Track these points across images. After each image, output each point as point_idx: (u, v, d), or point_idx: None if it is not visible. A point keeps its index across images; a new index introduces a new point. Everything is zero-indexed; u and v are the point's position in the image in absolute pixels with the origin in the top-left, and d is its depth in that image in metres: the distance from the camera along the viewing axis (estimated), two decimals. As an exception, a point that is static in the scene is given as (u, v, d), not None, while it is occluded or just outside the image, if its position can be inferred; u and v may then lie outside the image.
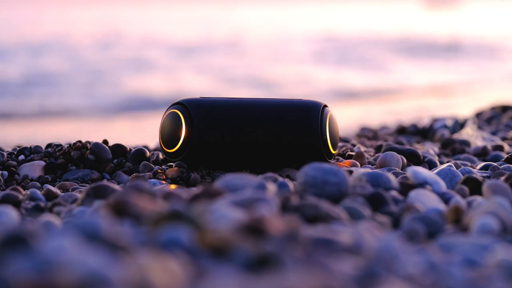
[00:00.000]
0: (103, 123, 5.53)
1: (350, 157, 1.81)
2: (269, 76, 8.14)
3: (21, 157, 1.71)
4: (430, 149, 1.98)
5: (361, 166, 1.73)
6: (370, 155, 1.92)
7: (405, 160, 1.73)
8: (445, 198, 1.26)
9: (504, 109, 3.05)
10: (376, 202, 1.18)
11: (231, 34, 13.93)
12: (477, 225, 1.07)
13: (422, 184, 1.29)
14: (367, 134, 2.53)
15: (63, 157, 1.70)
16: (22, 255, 0.74)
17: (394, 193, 1.24)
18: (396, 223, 1.13)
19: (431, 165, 1.76)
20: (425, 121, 2.72)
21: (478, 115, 3.03)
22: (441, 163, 1.85)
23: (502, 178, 1.35)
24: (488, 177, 1.55)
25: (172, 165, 1.67)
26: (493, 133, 2.49)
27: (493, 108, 3.11)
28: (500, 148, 2.06)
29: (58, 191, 1.45)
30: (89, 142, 1.72)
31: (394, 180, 1.28)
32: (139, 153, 1.73)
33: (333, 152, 1.69)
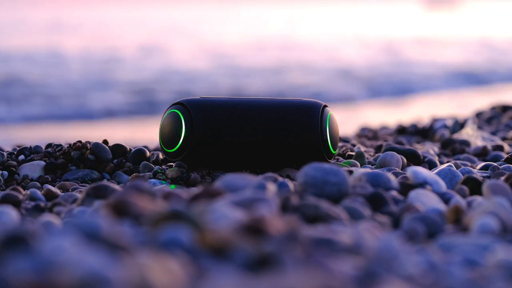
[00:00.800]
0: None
1: (350, 157, 1.81)
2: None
3: (21, 157, 1.71)
4: (430, 149, 1.98)
5: (361, 166, 1.73)
6: (370, 155, 1.92)
7: (405, 160, 1.73)
8: (445, 198, 1.26)
9: (504, 109, 3.05)
10: (376, 202, 1.18)
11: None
12: (477, 225, 1.07)
13: (422, 184, 1.29)
14: (367, 134, 2.53)
15: (63, 157, 1.70)
16: (22, 255, 0.74)
17: (394, 193, 1.24)
18: (396, 223, 1.13)
19: (431, 165, 1.76)
20: (425, 121, 2.72)
21: (478, 115, 3.03)
22: (441, 163, 1.85)
23: (502, 178, 1.35)
24: (488, 177, 1.55)
25: (172, 165, 1.67)
26: (493, 133, 2.49)
27: (493, 108, 3.11)
28: (500, 148, 2.06)
29: (58, 191, 1.45)
30: (89, 142, 1.72)
31: (394, 180, 1.28)
32: (139, 153, 1.73)
33: (333, 152, 1.69)
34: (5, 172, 1.64)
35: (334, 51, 11.04)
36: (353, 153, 1.81)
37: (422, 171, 1.32)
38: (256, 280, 0.75)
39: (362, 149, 1.89)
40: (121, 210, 0.99)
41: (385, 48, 11.39)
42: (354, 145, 2.02)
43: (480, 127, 2.61)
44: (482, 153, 2.02)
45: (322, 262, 0.81)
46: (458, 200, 1.25)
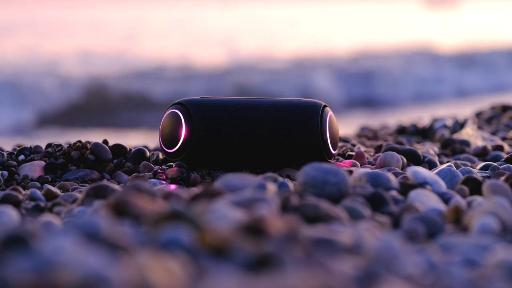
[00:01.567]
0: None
1: (350, 157, 1.81)
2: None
3: (21, 157, 1.71)
4: (430, 149, 1.98)
5: (361, 166, 1.73)
6: (370, 155, 1.92)
7: (405, 160, 1.73)
8: (445, 198, 1.26)
9: (504, 109, 3.05)
10: (376, 202, 1.18)
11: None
12: (477, 225, 1.07)
13: (422, 184, 1.29)
14: (367, 134, 2.52)
15: (63, 157, 1.70)
16: (22, 255, 0.74)
17: (394, 193, 1.24)
18: (396, 223, 1.13)
19: (431, 165, 1.76)
20: (425, 121, 2.72)
21: (478, 115, 3.03)
22: (441, 163, 1.85)
23: (502, 178, 1.34)
24: (488, 177, 1.55)
25: (172, 165, 1.67)
26: (493, 133, 2.49)
27: (493, 108, 3.11)
28: (500, 148, 2.06)
29: (58, 191, 1.45)
30: (89, 142, 1.72)
31: (394, 180, 1.28)
32: (139, 153, 1.73)
33: (333, 152, 1.69)
34: (5, 172, 1.64)
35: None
36: (353, 153, 1.81)
37: (422, 171, 1.32)
38: (256, 280, 0.75)
39: (362, 149, 1.89)
40: (121, 210, 0.99)
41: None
42: (354, 145, 2.02)
43: (480, 127, 2.61)
44: (482, 153, 2.02)
45: (322, 262, 0.81)
46: (458, 200, 1.25)
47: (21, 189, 1.44)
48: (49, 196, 1.42)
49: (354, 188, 1.20)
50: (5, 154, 1.69)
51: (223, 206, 0.99)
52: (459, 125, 2.46)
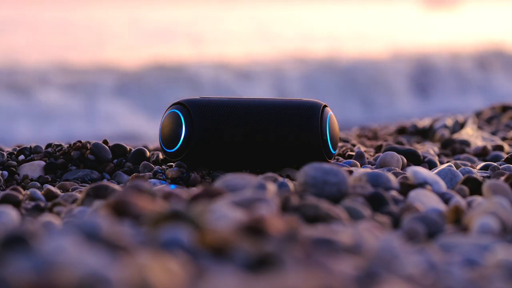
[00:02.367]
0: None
1: (350, 157, 1.81)
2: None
3: (21, 157, 1.71)
4: (430, 149, 1.98)
5: (361, 166, 1.73)
6: (370, 155, 1.92)
7: (405, 160, 1.73)
8: (445, 198, 1.26)
9: (504, 109, 3.05)
10: (376, 202, 1.18)
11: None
12: (477, 225, 1.07)
13: (422, 184, 1.29)
14: (367, 134, 2.53)
15: (63, 157, 1.70)
16: (22, 255, 0.74)
17: (394, 193, 1.24)
18: (396, 223, 1.13)
19: (431, 165, 1.76)
20: (425, 121, 2.72)
21: (478, 115, 3.03)
22: (441, 163, 1.85)
23: (502, 178, 1.34)
24: (488, 177, 1.55)
25: (172, 165, 1.67)
26: (493, 133, 2.49)
27: (493, 108, 3.11)
28: (500, 148, 2.06)
29: (58, 191, 1.45)
30: (89, 142, 1.72)
31: (394, 180, 1.28)
32: (139, 153, 1.73)
33: (333, 152, 1.69)
34: (5, 172, 1.64)
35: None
36: (353, 153, 1.81)
37: (422, 171, 1.32)
38: (256, 280, 0.75)
39: (362, 149, 1.89)
40: (121, 210, 0.99)
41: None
42: (354, 145, 2.02)
43: (480, 127, 2.61)
44: (482, 153, 2.02)
45: (322, 262, 0.81)
46: (458, 200, 1.25)
47: (21, 189, 1.44)
48: (49, 196, 1.42)
49: (354, 188, 1.20)
50: (5, 154, 1.69)
51: (223, 206, 0.99)
52: (459, 125, 2.46)
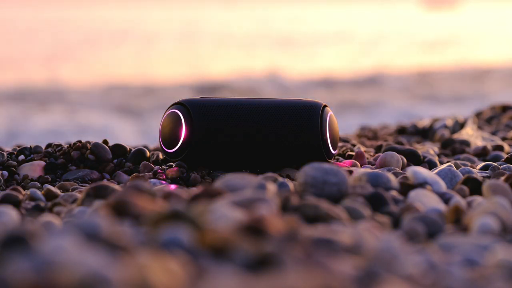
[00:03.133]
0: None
1: (350, 157, 1.81)
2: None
3: (21, 157, 1.71)
4: (430, 149, 1.98)
5: (361, 166, 1.73)
6: (370, 155, 1.92)
7: (405, 160, 1.73)
8: (445, 198, 1.26)
9: (504, 109, 3.05)
10: (376, 202, 1.18)
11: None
12: (477, 225, 1.07)
13: (422, 184, 1.29)
14: (367, 134, 2.53)
15: (63, 157, 1.70)
16: (22, 255, 0.74)
17: (394, 193, 1.24)
18: (396, 223, 1.13)
19: (431, 165, 1.76)
20: (425, 121, 2.72)
21: (478, 115, 3.03)
22: (441, 163, 1.85)
23: (502, 178, 1.34)
24: (488, 177, 1.55)
25: (172, 165, 1.67)
26: (493, 133, 2.49)
27: (493, 108, 3.11)
28: (500, 148, 2.06)
29: (58, 191, 1.45)
30: (89, 142, 1.72)
31: (394, 180, 1.28)
32: (139, 153, 1.73)
33: (333, 152, 1.69)
34: (5, 172, 1.64)
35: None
36: (353, 153, 1.81)
37: (422, 171, 1.32)
38: (256, 280, 0.75)
39: (362, 149, 1.89)
40: (121, 210, 0.99)
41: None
42: (354, 145, 2.02)
43: (480, 127, 2.61)
44: (482, 153, 2.02)
45: (322, 262, 0.81)
46: (458, 200, 1.25)
47: (21, 189, 1.44)
48: (49, 196, 1.42)
49: (354, 188, 1.20)
50: (5, 154, 1.69)
51: (223, 206, 0.99)
52: (459, 125, 2.46)
